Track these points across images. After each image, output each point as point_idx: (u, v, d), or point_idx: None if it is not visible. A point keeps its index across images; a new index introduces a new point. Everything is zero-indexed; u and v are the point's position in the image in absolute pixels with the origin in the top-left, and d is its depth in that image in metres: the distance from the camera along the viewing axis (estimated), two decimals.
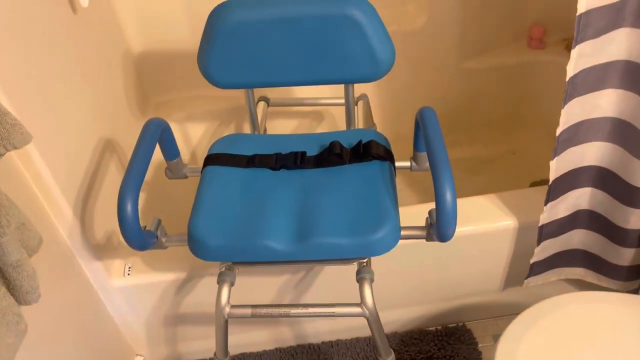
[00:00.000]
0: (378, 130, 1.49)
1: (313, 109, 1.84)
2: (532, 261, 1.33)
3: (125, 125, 1.53)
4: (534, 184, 1.89)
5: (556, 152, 1.15)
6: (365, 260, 1.09)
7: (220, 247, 1.02)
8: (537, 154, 1.98)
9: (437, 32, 1.77)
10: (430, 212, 1.05)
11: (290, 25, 1.12)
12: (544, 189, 1.38)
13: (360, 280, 1.06)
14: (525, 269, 1.40)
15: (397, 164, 1.20)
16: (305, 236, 1.01)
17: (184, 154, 1.80)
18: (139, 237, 1.00)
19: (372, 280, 1.07)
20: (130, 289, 1.31)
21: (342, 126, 1.91)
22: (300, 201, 1.08)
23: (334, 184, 1.10)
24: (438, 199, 0.94)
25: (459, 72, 1.87)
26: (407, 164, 1.22)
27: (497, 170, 1.97)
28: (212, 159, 1.17)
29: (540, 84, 1.89)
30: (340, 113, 1.87)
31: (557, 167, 1.17)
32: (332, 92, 1.69)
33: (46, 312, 1.03)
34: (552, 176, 1.18)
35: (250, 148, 1.20)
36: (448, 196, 0.93)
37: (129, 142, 1.53)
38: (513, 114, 2.00)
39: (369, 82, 1.18)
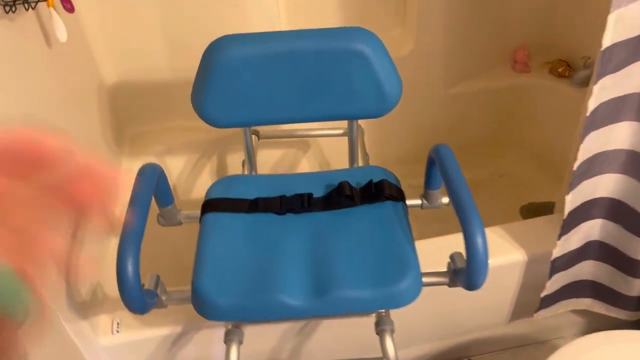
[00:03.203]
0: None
1: (299, 139, 1.77)
2: (542, 295, 1.29)
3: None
4: (524, 208, 1.87)
5: (572, 186, 1.11)
6: (384, 311, 1.02)
7: (230, 307, 0.93)
8: (524, 176, 1.97)
9: (423, 58, 1.74)
10: (452, 257, 0.99)
11: (293, 61, 1.04)
12: (550, 220, 1.35)
13: (380, 332, 0.99)
14: (532, 300, 1.36)
15: (408, 202, 1.14)
16: (323, 290, 0.93)
17: None
18: (140, 301, 0.90)
19: (392, 332, 1.00)
20: (120, 347, 1.19)
21: (330, 155, 1.84)
22: (312, 249, 1.00)
23: (346, 228, 1.03)
24: (469, 246, 0.88)
25: (445, 97, 1.84)
26: (418, 202, 1.16)
27: (486, 193, 1.94)
28: (211, 205, 1.08)
29: (526, 107, 1.89)
30: (327, 142, 1.80)
31: (572, 200, 1.13)
32: (322, 124, 1.62)
33: None
34: (567, 210, 1.14)
35: (251, 191, 1.11)
36: (479, 243, 0.87)
37: None
38: (499, 137, 1.98)
39: (375, 117, 1.12)
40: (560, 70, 1.78)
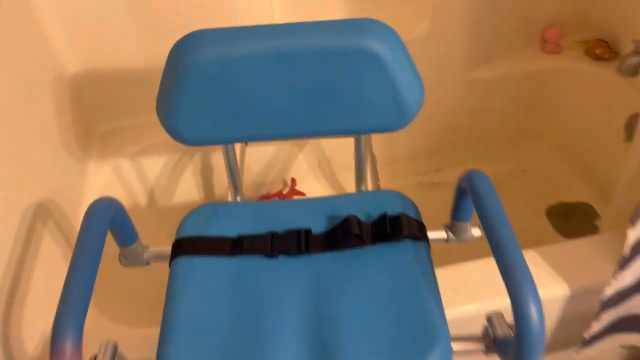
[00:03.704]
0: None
1: None
2: (587, 335, 1.08)
3: (62, 172, 1.19)
4: (552, 209, 1.65)
5: (635, 219, 0.89)
6: None
7: None
8: (550, 171, 1.74)
9: (440, 39, 1.49)
10: (491, 321, 0.77)
11: (288, 62, 0.80)
12: (596, 242, 1.14)
13: None
14: (570, 334, 1.16)
15: (429, 234, 0.91)
16: None
17: (139, 199, 1.46)
18: None
19: None
20: None
21: (332, 153, 1.61)
22: (312, 306, 0.79)
23: (355, 278, 0.81)
24: (519, 317, 0.66)
25: (464, 83, 1.60)
26: (442, 235, 0.93)
27: (507, 192, 1.72)
28: (183, 246, 0.86)
29: (556, 93, 1.64)
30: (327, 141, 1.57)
31: (634, 235, 0.92)
32: None
33: None
34: (629, 246, 0.92)
35: (233, 225, 0.89)
36: (533, 314, 0.66)
37: (68, 197, 1.19)
38: (523, 128, 1.74)
39: (389, 132, 0.88)
40: (598, 52, 1.53)
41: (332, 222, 0.88)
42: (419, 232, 0.85)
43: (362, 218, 0.87)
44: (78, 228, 1.15)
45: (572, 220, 1.61)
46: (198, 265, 0.84)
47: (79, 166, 1.33)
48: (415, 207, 0.91)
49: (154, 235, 1.45)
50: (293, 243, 0.85)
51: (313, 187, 1.64)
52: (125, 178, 1.44)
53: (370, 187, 1.07)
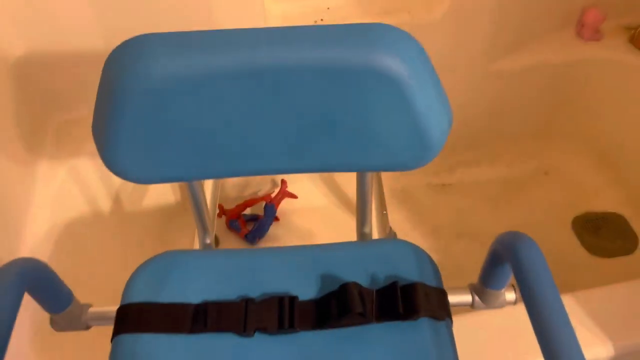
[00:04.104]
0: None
1: None
2: None
3: (5, 181, 0.98)
4: (579, 220, 1.44)
5: None
6: None
7: None
8: (576, 174, 1.53)
9: (460, 23, 1.25)
10: None
11: (270, 82, 0.58)
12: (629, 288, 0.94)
13: None
14: None
15: (450, 298, 0.71)
16: None
17: (102, 207, 1.25)
18: None
19: None
20: None
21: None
22: None
23: None
24: None
25: (486, 74, 1.36)
26: (467, 298, 0.73)
27: (527, 197, 1.51)
28: (128, 318, 0.65)
29: (590, 87, 1.41)
30: None
31: None
32: None
33: None
34: None
35: (197, 286, 0.68)
36: None
37: (8, 209, 0.98)
38: (548, 125, 1.52)
39: (404, 170, 0.67)
40: None
41: (325, 285, 0.67)
42: (439, 309, 0.65)
43: (365, 280, 0.67)
44: (22, 251, 0.93)
45: (601, 233, 1.41)
46: (147, 346, 0.63)
47: (25, 168, 1.11)
48: (433, 265, 0.70)
49: (118, 254, 1.25)
50: (273, 316, 0.65)
51: (307, 189, 1.42)
52: (85, 181, 1.22)
53: (376, 232, 0.85)
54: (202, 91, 0.58)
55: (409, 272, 0.68)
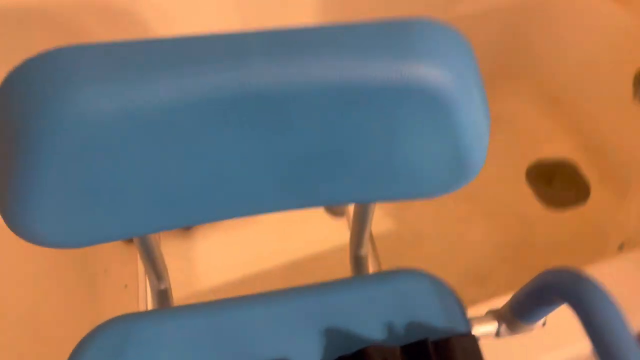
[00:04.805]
0: None
1: None
2: None
3: None
4: (532, 169, 1.39)
5: None
6: None
7: None
8: (529, 121, 1.46)
9: None
10: None
11: (269, 111, 0.39)
12: None
13: None
14: None
15: (474, 330, 0.59)
16: None
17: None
18: None
19: None
20: None
21: None
22: None
23: None
24: None
25: (445, 20, 1.21)
26: (492, 328, 0.62)
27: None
28: None
29: (546, 29, 1.31)
30: None
31: None
32: None
33: None
34: None
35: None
36: None
37: None
38: (506, 71, 1.42)
39: (432, 197, 0.52)
40: None
41: (333, 344, 0.53)
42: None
43: (382, 332, 0.53)
44: None
45: (555, 184, 1.38)
46: None
47: None
48: (458, 301, 0.58)
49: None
50: None
51: None
52: None
53: (371, 268, 0.70)
54: (160, 127, 0.39)
55: (434, 316, 0.55)
